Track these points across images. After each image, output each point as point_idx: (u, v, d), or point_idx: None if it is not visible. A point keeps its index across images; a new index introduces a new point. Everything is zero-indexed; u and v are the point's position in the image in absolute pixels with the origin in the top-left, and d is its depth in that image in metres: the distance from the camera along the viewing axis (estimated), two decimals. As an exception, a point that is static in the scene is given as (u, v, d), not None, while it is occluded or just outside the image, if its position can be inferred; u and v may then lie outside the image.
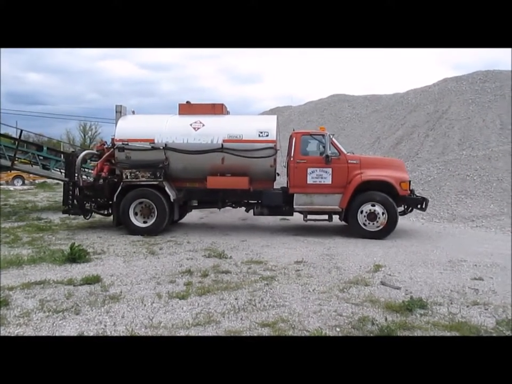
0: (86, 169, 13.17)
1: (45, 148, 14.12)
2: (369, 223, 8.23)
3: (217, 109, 9.18)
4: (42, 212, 12.05)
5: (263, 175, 8.71)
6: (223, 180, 8.60)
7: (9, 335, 3.43)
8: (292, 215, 8.95)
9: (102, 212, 9.36)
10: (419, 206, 8.63)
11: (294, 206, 8.56)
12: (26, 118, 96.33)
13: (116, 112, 9.52)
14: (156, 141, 8.59)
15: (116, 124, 9.18)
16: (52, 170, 13.82)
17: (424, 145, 15.90)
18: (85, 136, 56.59)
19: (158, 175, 8.54)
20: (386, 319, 3.77)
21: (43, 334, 3.46)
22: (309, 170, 8.45)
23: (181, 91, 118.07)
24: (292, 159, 8.65)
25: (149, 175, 8.56)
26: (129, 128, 8.95)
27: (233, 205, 9.21)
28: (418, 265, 6.03)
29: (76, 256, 5.95)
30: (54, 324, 3.68)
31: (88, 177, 11.55)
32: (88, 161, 12.14)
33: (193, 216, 10.69)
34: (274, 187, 9.04)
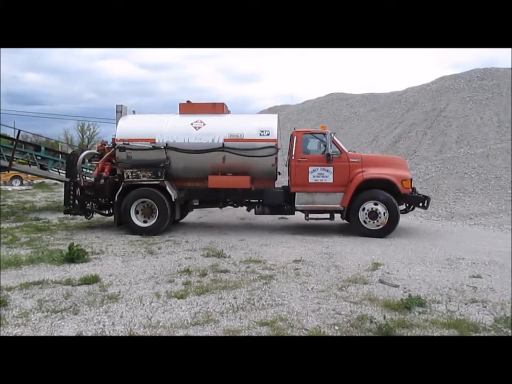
0: (84, 169, 13.13)
1: (42, 148, 14.09)
2: (369, 221, 8.23)
3: (218, 108, 9.17)
4: (40, 212, 12.03)
5: (264, 174, 8.71)
6: (224, 179, 8.59)
7: (7, 335, 3.43)
8: (294, 214, 8.93)
9: (103, 211, 9.35)
10: (421, 204, 8.63)
11: (296, 205, 8.54)
12: (24, 118, 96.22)
13: (117, 112, 9.50)
14: (156, 141, 8.58)
15: (117, 123, 9.17)
16: (50, 171, 13.79)
17: (422, 143, 15.94)
18: (83, 136, 56.54)
19: (159, 175, 8.54)
20: (384, 317, 3.78)
21: (41, 334, 3.46)
22: (310, 169, 8.44)
23: (180, 91, 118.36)
24: (293, 157, 8.63)
25: (150, 174, 8.56)
26: (130, 128, 8.94)
27: (235, 204, 9.20)
28: (417, 263, 6.04)
29: (74, 256, 5.94)
30: (53, 324, 3.67)
31: (86, 177, 11.53)
32: (86, 161, 12.11)
33: (192, 215, 10.68)
34: (276, 186, 9.03)
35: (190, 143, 8.54)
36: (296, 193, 8.52)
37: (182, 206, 9.18)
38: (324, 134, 8.59)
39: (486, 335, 3.49)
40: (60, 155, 14.83)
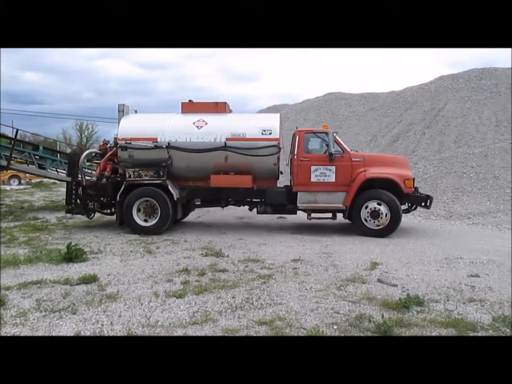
0: (84, 169, 13.12)
1: (41, 147, 14.08)
2: (370, 220, 8.23)
3: (220, 108, 9.15)
4: (38, 212, 12.01)
5: (266, 173, 8.70)
6: (226, 178, 8.58)
7: (5, 335, 3.42)
8: (296, 213, 8.91)
9: (105, 211, 9.34)
10: (423, 204, 8.62)
11: (298, 204, 8.53)
12: (23, 117, 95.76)
13: (119, 111, 9.48)
14: (158, 140, 8.57)
15: (119, 123, 9.15)
16: (48, 170, 13.77)
17: (420, 143, 15.95)
18: (81, 135, 56.46)
19: (161, 174, 8.53)
20: (383, 317, 3.78)
21: (40, 334, 3.46)
22: (313, 168, 8.43)
23: (178, 90, 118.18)
24: (295, 157, 8.61)
25: (152, 174, 8.55)
26: (132, 127, 8.92)
27: (237, 204, 9.20)
28: (415, 262, 6.05)
29: (72, 255, 5.94)
30: (51, 324, 3.67)
31: (86, 176, 11.51)
32: (85, 160, 12.09)
33: (190, 215, 10.67)
34: (278, 185, 9.02)
35: (192, 142, 8.53)
36: (298, 193, 8.52)
37: (183, 205, 9.17)
38: (326, 133, 8.58)
39: (484, 334, 3.50)
40: (58, 154, 14.82)
